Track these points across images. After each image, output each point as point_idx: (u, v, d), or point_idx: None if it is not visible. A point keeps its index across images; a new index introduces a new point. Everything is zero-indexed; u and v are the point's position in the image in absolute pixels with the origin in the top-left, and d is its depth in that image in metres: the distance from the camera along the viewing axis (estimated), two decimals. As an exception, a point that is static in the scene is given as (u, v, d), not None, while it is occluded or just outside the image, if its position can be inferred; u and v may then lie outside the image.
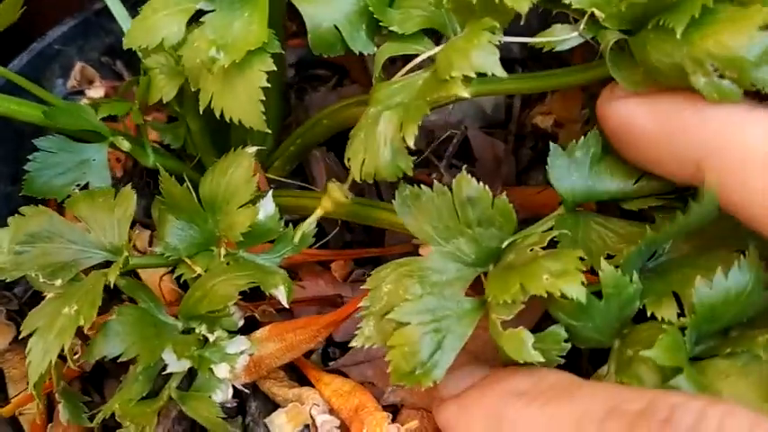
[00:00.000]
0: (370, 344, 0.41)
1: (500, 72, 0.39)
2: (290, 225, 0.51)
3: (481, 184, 0.43)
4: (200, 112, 0.47)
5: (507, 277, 0.38)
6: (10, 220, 0.52)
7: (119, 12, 0.65)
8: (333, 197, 0.49)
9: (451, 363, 0.39)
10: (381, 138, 0.43)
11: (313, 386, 0.54)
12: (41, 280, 0.49)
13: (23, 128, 0.75)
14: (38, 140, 0.59)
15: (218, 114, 0.47)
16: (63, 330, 0.44)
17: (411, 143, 0.41)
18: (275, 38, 0.46)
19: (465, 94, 0.40)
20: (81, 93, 0.79)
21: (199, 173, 0.65)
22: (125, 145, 0.61)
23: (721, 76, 0.36)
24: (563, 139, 0.60)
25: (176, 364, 0.46)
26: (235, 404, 0.49)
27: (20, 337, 0.47)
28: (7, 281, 0.51)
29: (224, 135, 0.66)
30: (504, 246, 0.42)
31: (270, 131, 0.48)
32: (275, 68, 0.45)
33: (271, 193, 0.51)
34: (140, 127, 0.63)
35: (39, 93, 0.61)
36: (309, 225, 0.49)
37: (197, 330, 0.48)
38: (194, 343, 0.47)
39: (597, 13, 0.40)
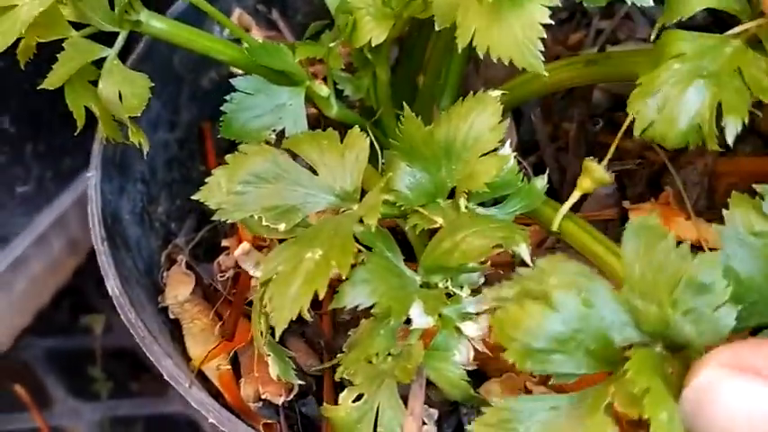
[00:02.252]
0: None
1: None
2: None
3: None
4: (458, 51, 0.44)
5: None
6: (228, 157, 0.48)
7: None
8: (594, 177, 0.45)
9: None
10: (689, 113, 0.38)
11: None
12: (264, 223, 0.46)
13: (182, 73, 0.73)
14: (236, 80, 0.56)
15: (481, 54, 0.43)
16: (312, 277, 0.41)
17: (731, 140, 0.37)
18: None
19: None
20: (237, 41, 0.76)
21: (376, 128, 0.62)
22: (323, 90, 0.57)
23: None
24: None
25: (422, 320, 0.43)
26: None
27: (260, 281, 0.43)
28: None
29: (406, 91, 0.63)
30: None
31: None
32: (559, 4, 0.41)
33: (509, 142, 0.47)
34: (330, 74, 0.60)
35: (235, 30, 0.58)
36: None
37: (440, 285, 0.44)
38: (443, 298, 0.43)
39: None
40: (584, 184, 0.46)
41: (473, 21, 0.43)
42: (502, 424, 0.36)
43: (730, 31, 0.40)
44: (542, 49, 0.41)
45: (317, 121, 0.67)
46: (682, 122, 0.39)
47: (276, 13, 0.79)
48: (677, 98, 0.39)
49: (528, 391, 0.50)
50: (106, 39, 0.54)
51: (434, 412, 0.49)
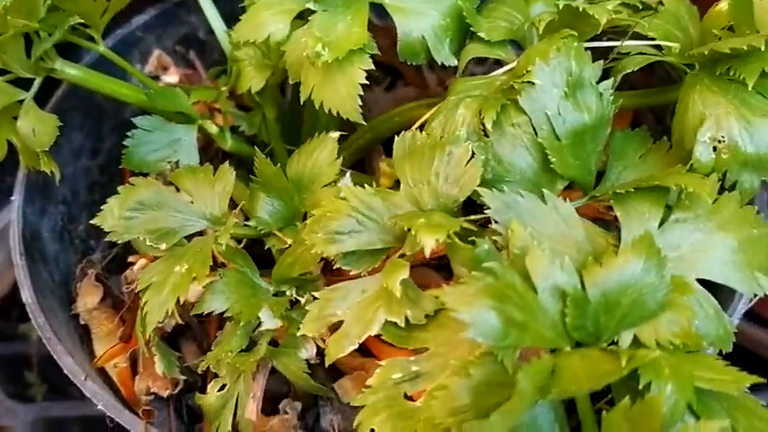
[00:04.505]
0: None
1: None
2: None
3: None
4: (301, 103, 0.54)
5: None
6: (120, 188, 0.58)
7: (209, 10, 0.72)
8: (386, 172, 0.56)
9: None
10: (460, 119, 0.49)
11: (376, 357, 0.60)
12: (148, 243, 0.56)
13: (105, 105, 0.82)
14: (137, 119, 0.65)
15: (317, 105, 0.53)
16: (177, 286, 0.51)
17: (490, 125, 0.48)
18: (372, 40, 0.52)
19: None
20: (156, 78, 0.86)
21: (269, 158, 0.71)
22: (213, 128, 0.67)
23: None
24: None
25: (270, 322, 0.52)
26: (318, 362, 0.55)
27: (137, 290, 0.53)
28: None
29: (294, 127, 0.73)
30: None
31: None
32: (373, 68, 0.51)
33: (349, 173, 0.57)
34: (224, 113, 0.70)
35: (139, 76, 0.67)
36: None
37: (288, 293, 0.54)
38: (286, 304, 0.53)
39: (673, 45, 0.46)
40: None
41: (312, 79, 0.53)
42: (323, 314, 0.46)
43: (503, 69, 0.52)
44: (360, 103, 0.51)
45: (217, 153, 0.77)
46: (462, 133, 0.50)
47: (193, 53, 0.88)
48: (452, 113, 0.50)
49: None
50: (28, 83, 0.64)
51: (298, 404, 0.58)
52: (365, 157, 0.75)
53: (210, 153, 0.78)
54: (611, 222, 0.68)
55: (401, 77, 0.87)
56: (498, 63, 0.87)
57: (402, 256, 0.46)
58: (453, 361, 0.40)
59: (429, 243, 0.41)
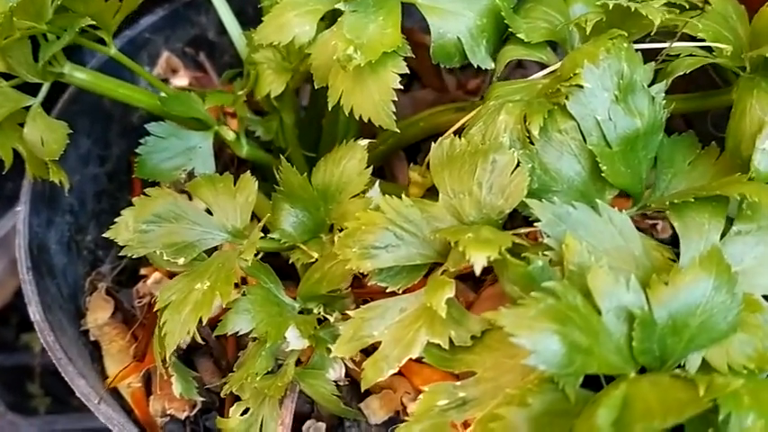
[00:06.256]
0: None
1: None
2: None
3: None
4: (329, 108, 0.50)
5: None
6: (135, 200, 0.55)
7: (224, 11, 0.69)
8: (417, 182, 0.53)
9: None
10: (502, 125, 0.46)
11: (403, 375, 0.57)
12: (165, 258, 0.53)
13: (112, 109, 0.79)
14: (150, 125, 0.62)
15: (346, 111, 0.50)
16: (199, 304, 0.47)
17: (536, 132, 0.44)
18: (406, 42, 0.49)
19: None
20: (165, 81, 0.83)
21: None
22: (230, 135, 0.64)
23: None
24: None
25: (298, 342, 0.49)
26: (347, 383, 0.52)
27: (154, 309, 0.50)
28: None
29: (312, 132, 0.70)
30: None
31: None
32: (408, 71, 0.48)
33: (378, 183, 0.54)
34: (240, 119, 0.66)
35: (152, 80, 0.64)
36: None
37: (315, 311, 0.51)
38: (314, 323, 0.50)
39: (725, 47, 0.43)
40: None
41: (341, 83, 0.50)
42: (358, 334, 0.43)
43: (537, 75, 0.49)
44: (394, 109, 0.48)
45: (232, 160, 0.74)
46: (505, 140, 0.46)
47: (203, 55, 0.85)
48: (492, 119, 0.47)
49: (403, 407, 0.56)
50: (34, 87, 0.60)
51: (322, 426, 0.55)
52: (384, 164, 0.72)
53: (224, 159, 0.75)
54: (647, 231, 0.65)
55: (417, 79, 0.84)
56: (521, 65, 0.85)
57: (444, 272, 0.43)
58: (508, 389, 0.36)
59: (480, 260, 0.38)
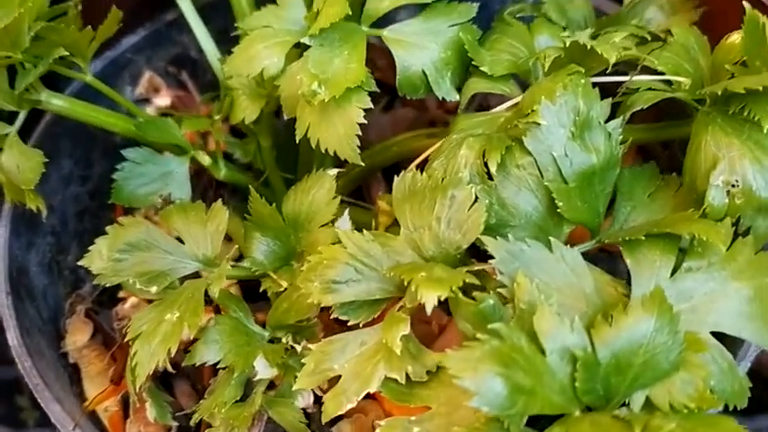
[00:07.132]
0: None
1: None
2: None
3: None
4: (297, 141, 0.51)
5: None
6: (108, 228, 0.56)
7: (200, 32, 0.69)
8: (385, 210, 0.54)
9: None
10: (462, 160, 0.47)
11: (375, 399, 0.58)
12: (138, 286, 0.54)
13: (95, 132, 0.80)
14: (126, 151, 0.63)
15: (313, 144, 0.51)
16: (168, 336, 0.48)
17: (494, 168, 0.45)
18: (371, 77, 0.50)
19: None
20: (147, 100, 0.84)
21: (265, 187, 0.69)
22: (206, 159, 0.65)
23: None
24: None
25: (266, 371, 0.50)
26: (315, 410, 0.53)
27: (125, 340, 0.51)
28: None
29: (291, 154, 0.71)
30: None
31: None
32: (371, 106, 0.49)
33: (347, 212, 0.55)
34: (216, 142, 0.67)
35: (128, 105, 0.65)
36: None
37: (283, 340, 0.52)
38: (282, 352, 0.51)
39: (684, 80, 0.44)
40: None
41: (308, 116, 0.51)
42: (320, 368, 0.44)
43: (506, 104, 0.50)
44: (359, 143, 0.49)
45: (211, 182, 0.75)
46: (465, 174, 0.47)
47: (186, 74, 0.86)
48: (454, 153, 0.48)
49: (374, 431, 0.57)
50: (10, 114, 0.61)
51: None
52: (362, 185, 0.73)
53: (203, 181, 0.76)
54: (617, 254, 0.66)
55: (399, 97, 0.85)
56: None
57: (401, 308, 0.44)
58: (456, 428, 0.37)
59: (430, 300, 0.39)
